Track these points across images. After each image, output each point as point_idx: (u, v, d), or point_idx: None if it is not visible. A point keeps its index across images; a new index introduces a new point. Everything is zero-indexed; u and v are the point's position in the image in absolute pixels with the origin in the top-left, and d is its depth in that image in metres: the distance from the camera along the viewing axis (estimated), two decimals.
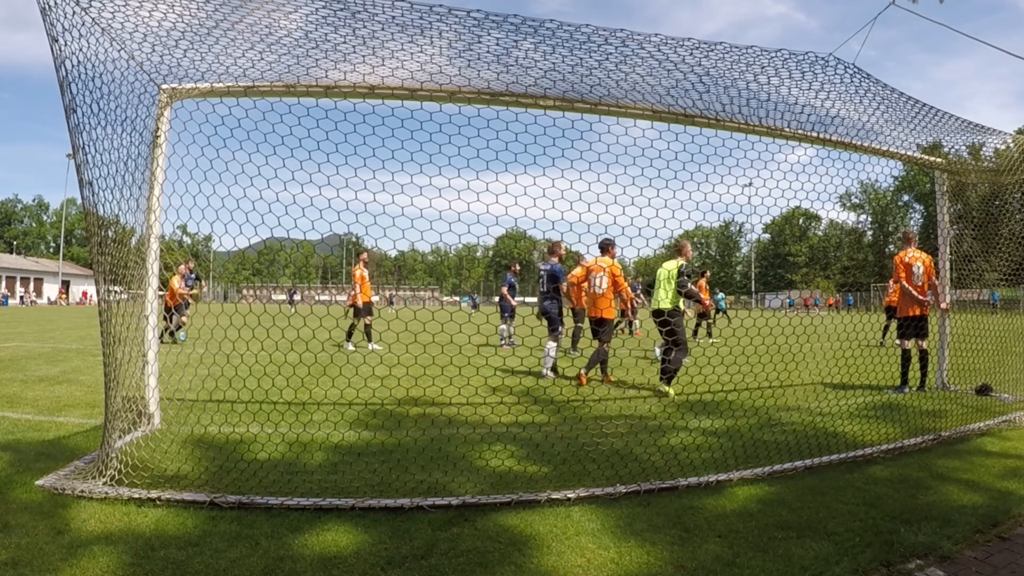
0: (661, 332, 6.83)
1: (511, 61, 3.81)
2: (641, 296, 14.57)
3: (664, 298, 6.87)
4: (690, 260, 7.17)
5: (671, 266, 6.94)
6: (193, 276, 13.00)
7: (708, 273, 14.30)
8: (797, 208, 4.88)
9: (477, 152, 3.61)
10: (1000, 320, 7.14)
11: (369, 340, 11.44)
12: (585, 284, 8.09)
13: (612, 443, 4.34)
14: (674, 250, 7.20)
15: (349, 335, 11.45)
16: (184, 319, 12.20)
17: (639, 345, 11.70)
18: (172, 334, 11.94)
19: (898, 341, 6.98)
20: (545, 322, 8.23)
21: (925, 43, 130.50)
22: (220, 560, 2.49)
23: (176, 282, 12.00)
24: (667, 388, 6.67)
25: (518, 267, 12.98)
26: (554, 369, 8.02)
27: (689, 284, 6.80)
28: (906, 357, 6.78)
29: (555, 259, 8.45)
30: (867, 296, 54.86)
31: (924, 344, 6.79)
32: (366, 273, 11.75)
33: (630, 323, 14.98)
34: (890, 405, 6.00)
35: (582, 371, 7.37)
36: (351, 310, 11.56)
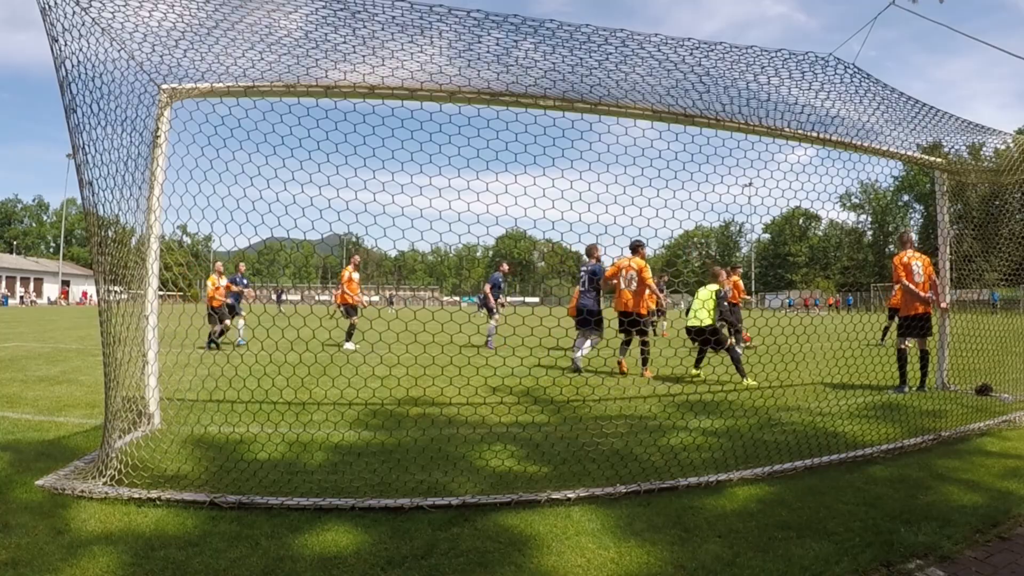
0: (697, 343, 7.82)
1: (511, 61, 3.81)
2: (668, 295, 14.16)
3: (705, 317, 7.69)
4: (723, 285, 8.09)
5: (711, 289, 7.82)
6: (243, 280, 12.02)
7: (740, 269, 13.21)
8: (797, 208, 4.87)
9: (477, 152, 3.61)
10: (1000, 320, 7.14)
11: (348, 339, 11.32)
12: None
13: (612, 443, 4.34)
14: (711, 276, 8.09)
15: (349, 335, 11.47)
16: (228, 323, 11.17)
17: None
18: (214, 340, 10.71)
19: (898, 340, 6.96)
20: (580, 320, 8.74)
21: (925, 43, 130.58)
22: (220, 560, 2.49)
23: (215, 281, 11.01)
24: (748, 380, 7.32)
25: (506, 267, 12.75)
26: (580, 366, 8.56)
27: (725, 304, 7.84)
28: (902, 357, 6.77)
29: (594, 260, 8.89)
30: (867, 296, 54.85)
31: (925, 344, 6.79)
32: (355, 276, 11.60)
33: (653, 324, 14.81)
34: (890, 405, 6.00)
35: (644, 370, 8.05)
36: (341, 310, 11.47)
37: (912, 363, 6.80)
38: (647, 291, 8.13)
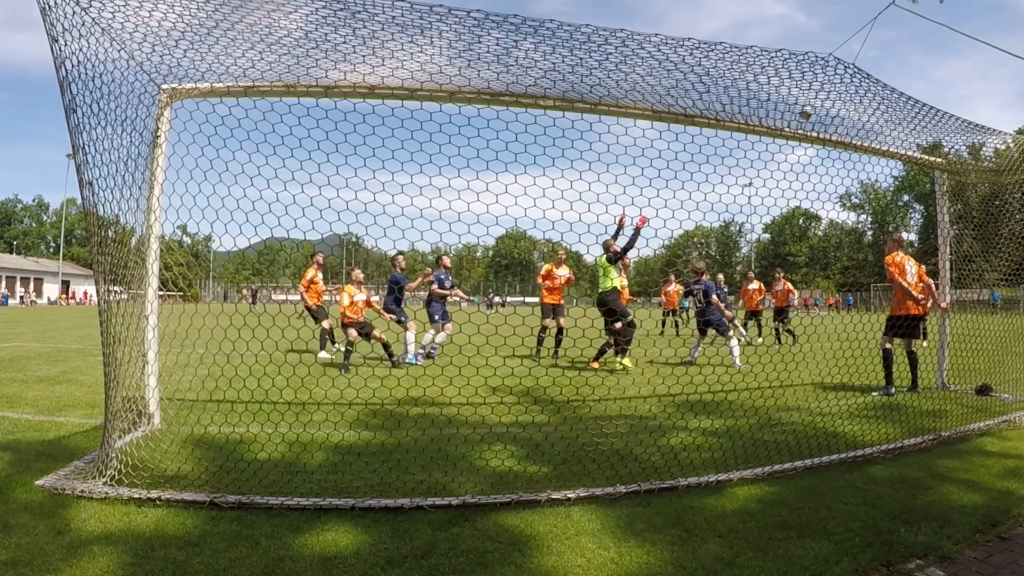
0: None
1: (511, 61, 3.81)
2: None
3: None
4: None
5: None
6: (445, 277, 9.59)
7: (780, 272, 13.70)
8: (797, 208, 4.87)
9: (477, 152, 3.61)
10: (1000, 320, 7.13)
11: (322, 347, 9.79)
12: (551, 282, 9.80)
13: (612, 443, 4.34)
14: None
15: (322, 344, 9.91)
16: (378, 334, 8.67)
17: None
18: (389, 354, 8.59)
19: (883, 338, 6.70)
20: (712, 329, 9.71)
21: (925, 43, 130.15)
22: (220, 560, 2.49)
23: (352, 293, 8.75)
24: (625, 360, 8.24)
25: (447, 260, 10.31)
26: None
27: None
28: (887, 357, 6.58)
29: (706, 277, 9.81)
30: (867, 296, 54.78)
31: (911, 345, 6.66)
32: (319, 276, 10.22)
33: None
34: (890, 405, 5.99)
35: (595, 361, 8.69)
36: (306, 315, 10.01)
37: (899, 364, 6.66)
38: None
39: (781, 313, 12.91)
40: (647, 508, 3.15)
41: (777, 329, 12.67)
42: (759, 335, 13.41)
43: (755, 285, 13.47)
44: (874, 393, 6.60)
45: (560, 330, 9.60)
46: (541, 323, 9.51)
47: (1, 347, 11.39)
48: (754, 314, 13.55)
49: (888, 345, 6.70)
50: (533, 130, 3.73)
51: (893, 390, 6.54)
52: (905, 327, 6.62)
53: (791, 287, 13.16)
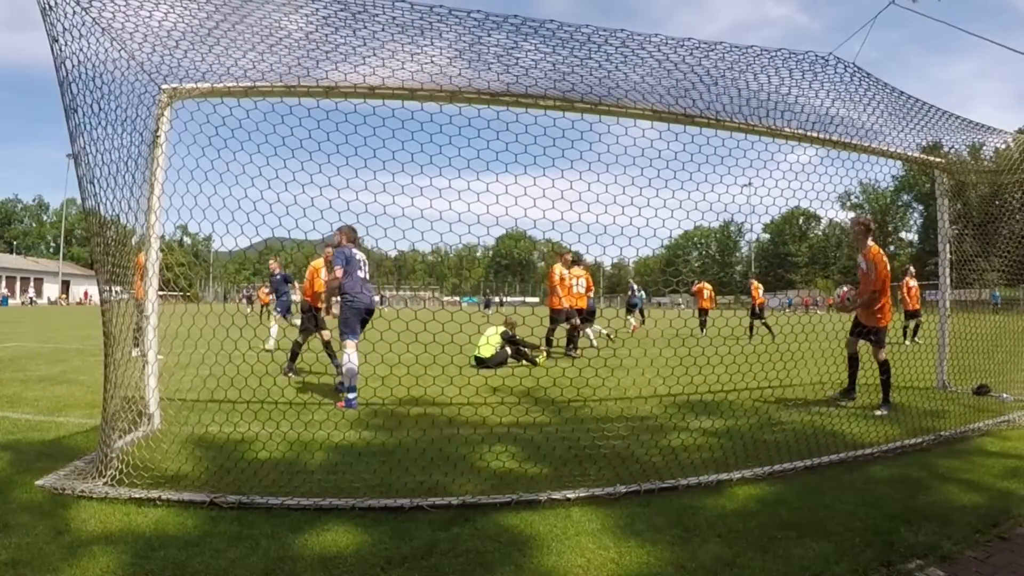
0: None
1: (512, 62, 3.81)
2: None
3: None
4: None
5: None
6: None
7: (757, 279, 16.82)
8: (797, 208, 4.87)
9: (478, 153, 3.62)
10: (1000, 320, 7.13)
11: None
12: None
13: (612, 443, 4.34)
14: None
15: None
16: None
17: (638, 344, 11.41)
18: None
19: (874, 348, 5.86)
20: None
21: (926, 45, 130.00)
22: (220, 560, 2.49)
23: None
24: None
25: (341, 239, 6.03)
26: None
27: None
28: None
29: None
30: None
31: (854, 349, 6.12)
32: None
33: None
34: (890, 405, 5.98)
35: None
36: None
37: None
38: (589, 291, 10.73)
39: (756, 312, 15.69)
40: (647, 508, 3.15)
41: (755, 325, 14.83)
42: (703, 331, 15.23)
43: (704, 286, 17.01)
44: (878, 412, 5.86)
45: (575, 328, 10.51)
46: (570, 324, 10.19)
47: (1, 347, 11.39)
48: (703, 312, 16.55)
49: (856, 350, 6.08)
50: (533, 131, 3.74)
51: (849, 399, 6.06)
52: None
53: (757, 287, 15.89)
